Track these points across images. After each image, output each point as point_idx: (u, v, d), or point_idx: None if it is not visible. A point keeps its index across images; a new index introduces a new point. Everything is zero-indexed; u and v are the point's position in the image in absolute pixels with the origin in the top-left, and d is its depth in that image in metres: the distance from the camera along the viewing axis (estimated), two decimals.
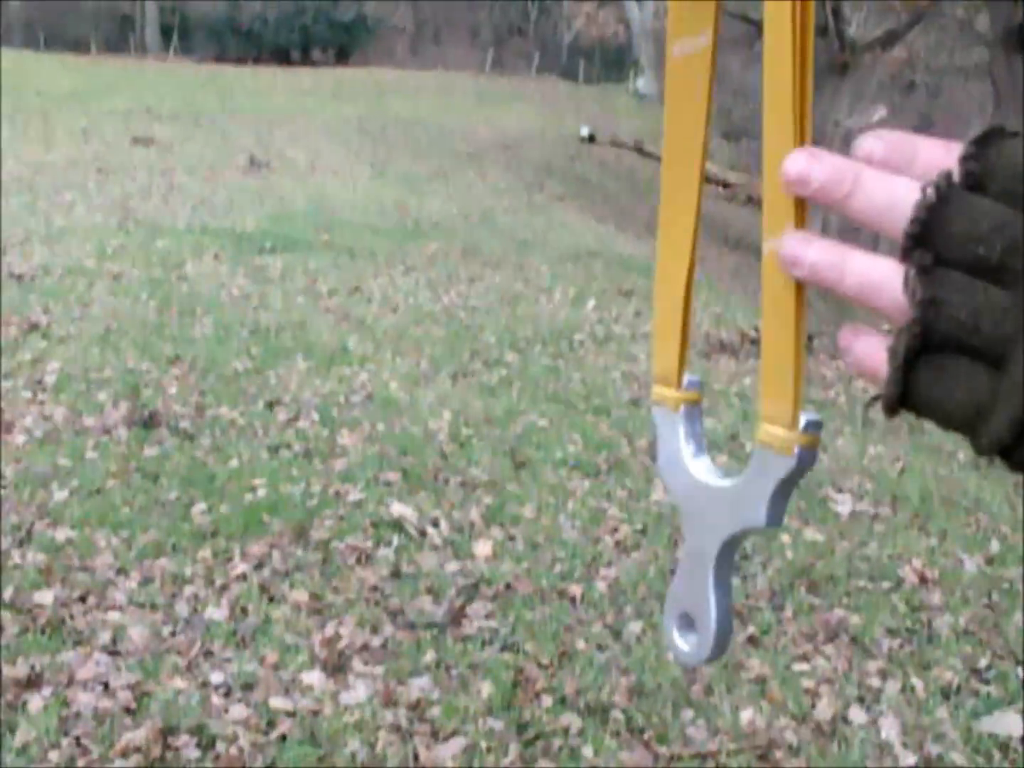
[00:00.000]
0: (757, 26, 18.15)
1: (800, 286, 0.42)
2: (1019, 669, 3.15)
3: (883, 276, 0.39)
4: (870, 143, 0.40)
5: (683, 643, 0.49)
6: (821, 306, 8.06)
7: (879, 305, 0.39)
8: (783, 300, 0.43)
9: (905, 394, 0.39)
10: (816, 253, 0.41)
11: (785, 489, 0.45)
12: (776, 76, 0.43)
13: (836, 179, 0.40)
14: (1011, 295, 0.36)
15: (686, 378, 0.50)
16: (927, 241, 0.38)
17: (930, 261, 0.37)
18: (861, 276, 0.39)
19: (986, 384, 0.37)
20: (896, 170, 0.40)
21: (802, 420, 0.43)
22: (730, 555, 0.49)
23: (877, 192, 0.39)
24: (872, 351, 0.40)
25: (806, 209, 0.42)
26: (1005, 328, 0.36)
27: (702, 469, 0.49)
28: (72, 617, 3.10)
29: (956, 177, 0.38)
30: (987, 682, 3.08)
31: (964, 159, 0.38)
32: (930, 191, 0.37)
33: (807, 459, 0.44)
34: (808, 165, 0.41)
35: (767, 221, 0.43)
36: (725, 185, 21.85)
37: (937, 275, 0.37)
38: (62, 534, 3.58)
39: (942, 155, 0.39)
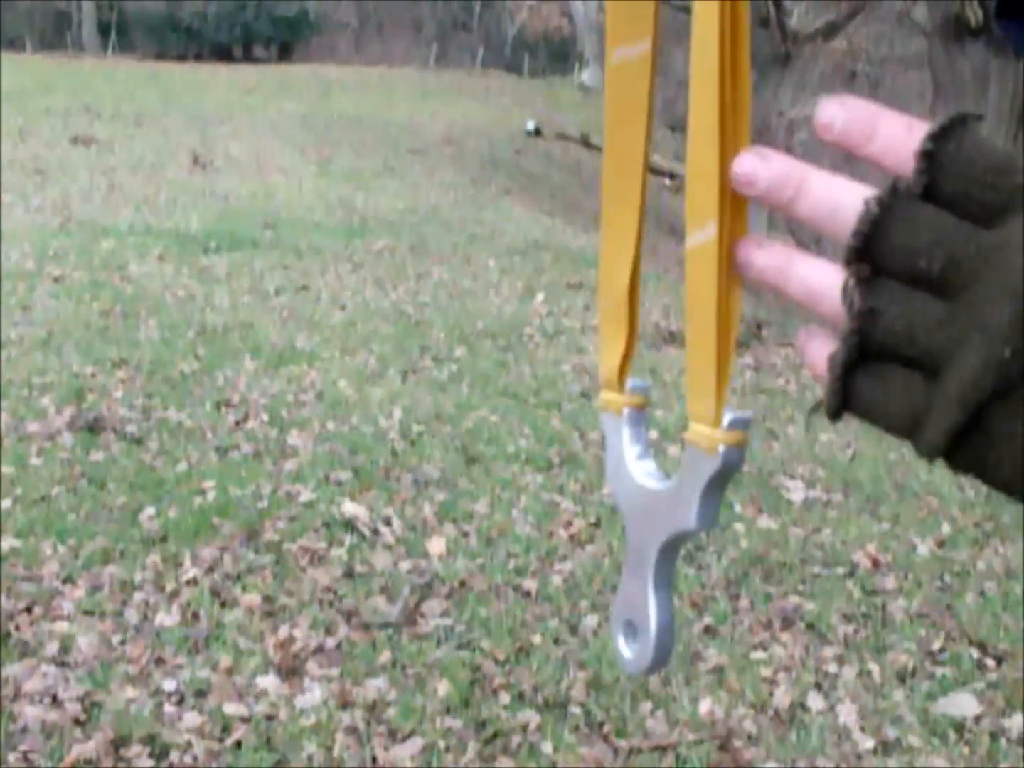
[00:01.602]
0: None
1: (723, 283, 0.42)
2: (973, 650, 3.18)
3: (825, 284, 0.39)
4: (832, 111, 0.39)
5: (627, 651, 0.48)
6: (771, 294, 8.11)
7: (822, 312, 0.40)
8: (706, 296, 0.42)
9: (845, 401, 0.39)
10: (763, 258, 0.41)
11: (714, 490, 0.44)
12: (703, 68, 0.42)
13: (782, 182, 0.40)
14: (949, 307, 0.36)
15: (630, 382, 0.49)
16: (868, 252, 0.38)
17: (868, 273, 0.38)
18: (804, 283, 0.40)
19: (922, 394, 0.37)
20: (854, 146, 0.39)
21: (726, 417, 0.43)
22: (670, 560, 0.48)
23: (822, 198, 0.39)
24: (822, 355, 0.40)
25: (730, 205, 0.42)
26: (940, 340, 0.36)
27: (644, 473, 0.48)
28: (18, 628, 3.03)
29: (906, 182, 0.37)
30: (942, 664, 3.12)
31: (920, 156, 0.37)
32: (872, 204, 0.37)
33: (733, 458, 0.43)
34: (755, 167, 0.40)
35: (689, 215, 0.43)
36: (671, 176, 21.96)
37: (876, 286, 0.38)
38: (6, 543, 3.50)
39: (902, 135, 0.38)
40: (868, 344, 0.38)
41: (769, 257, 0.41)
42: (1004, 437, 0.36)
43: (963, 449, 0.37)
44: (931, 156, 0.37)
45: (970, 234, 0.36)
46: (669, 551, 0.47)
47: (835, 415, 0.40)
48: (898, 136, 0.38)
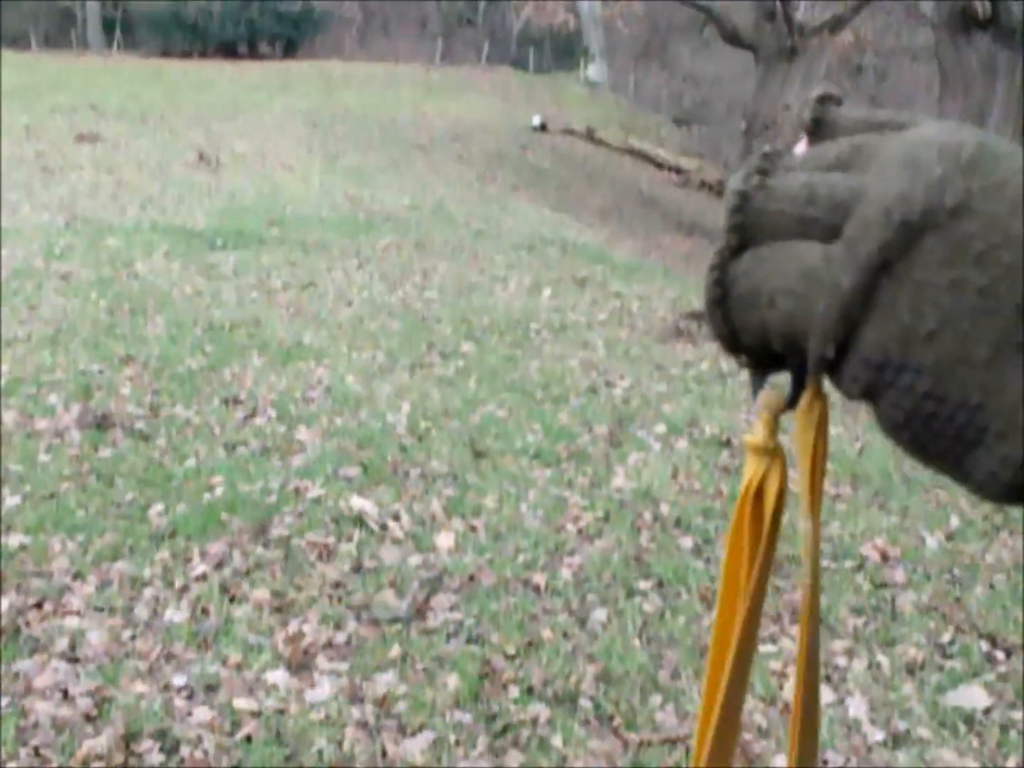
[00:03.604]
0: (707, 12, 18.22)
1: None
2: (982, 643, 3.18)
3: None
4: None
5: None
6: None
7: None
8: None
9: (728, 286, 0.39)
10: None
11: None
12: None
13: None
14: (849, 175, 0.37)
15: None
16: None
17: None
18: None
19: (819, 254, 0.36)
20: None
21: None
22: None
23: None
24: None
25: None
26: (842, 192, 0.36)
27: None
28: (28, 624, 3.04)
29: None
30: (951, 657, 3.11)
31: (809, 124, 0.41)
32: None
33: None
34: None
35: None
36: (677, 171, 21.92)
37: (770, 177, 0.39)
38: (15, 540, 3.51)
39: None
40: (760, 217, 0.38)
41: None
42: (884, 306, 0.36)
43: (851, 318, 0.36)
44: (820, 120, 0.40)
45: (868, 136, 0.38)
46: None
47: (717, 304, 0.39)
48: None
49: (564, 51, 36.44)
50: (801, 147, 0.40)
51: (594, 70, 31.83)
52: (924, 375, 0.35)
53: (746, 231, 0.38)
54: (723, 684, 0.48)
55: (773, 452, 0.46)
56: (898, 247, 0.35)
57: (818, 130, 0.39)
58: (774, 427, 0.45)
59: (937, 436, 0.36)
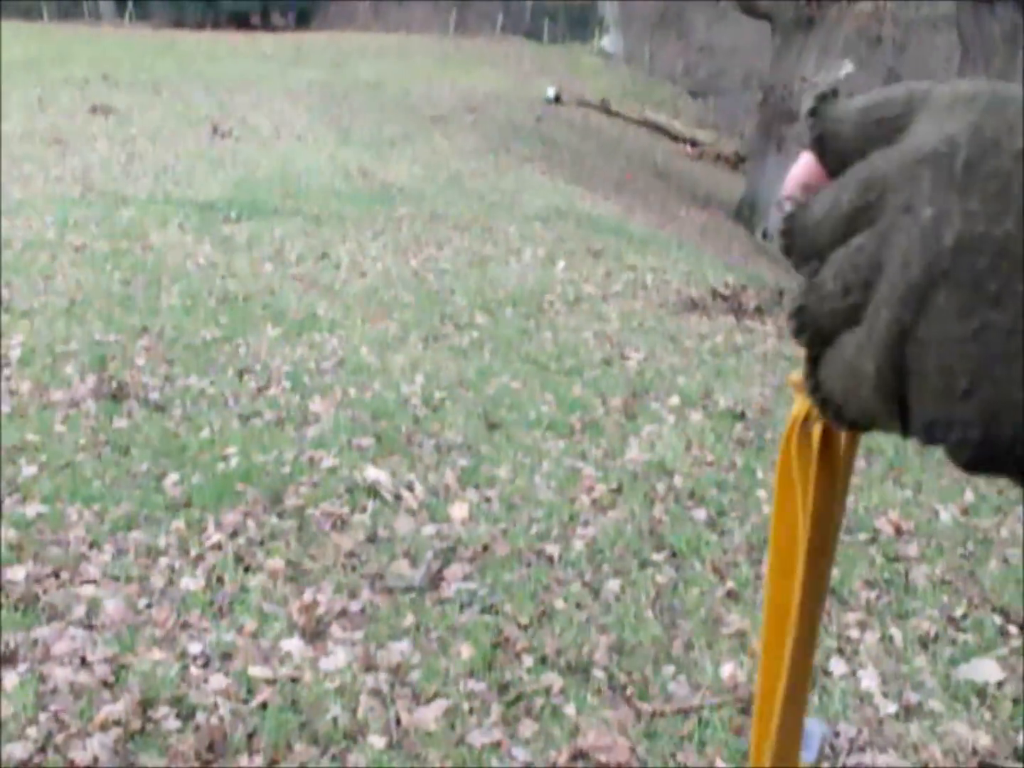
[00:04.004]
0: None
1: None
2: (995, 616, 3.17)
3: None
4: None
5: None
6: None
7: None
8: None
9: (824, 397, 0.39)
10: None
11: None
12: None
13: None
14: (866, 238, 0.36)
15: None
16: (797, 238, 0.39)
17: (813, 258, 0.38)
18: None
19: (853, 343, 0.36)
20: None
21: None
22: None
23: None
24: None
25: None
26: (864, 275, 0.35)
27: None
28: (45, 592, 3.06)
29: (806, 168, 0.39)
30: (964, 630, 3.11)
31: (809, 114, 0.39)
32: (785, 204, 0.39)
33: None
34: None
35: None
36: (693, 143, 21.80)
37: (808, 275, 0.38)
38: (32, 509, 3.53)
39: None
40: (814, 324, 0.38)
41: None
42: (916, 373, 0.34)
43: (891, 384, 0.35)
44: (816, 112, 0.39)
45: (874, 160, 0.36)
46: None
47: (823, 410, 0.39)
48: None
49: (579, 22, 36.18)
50: (806, 162, 0.39)
51: (609, 41, 31.61)
52: (972, 427, 0.34)
53: (810, 343, 0.38)
54: (791, 636, 0.47)
55: None
56: (910, 314, 0.34)
57: (823, 148, 0.38)
58: None
59: (1006, 467, 0.35)
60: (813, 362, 0.39)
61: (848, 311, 0.36)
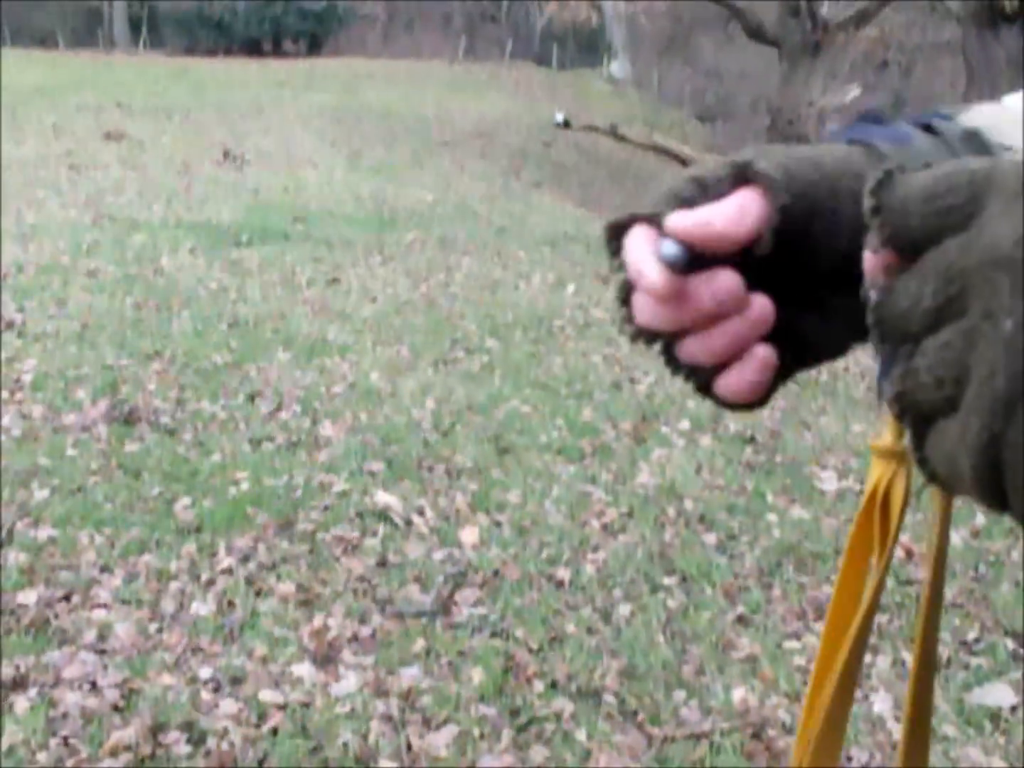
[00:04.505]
0: (730, 8, 18.14)
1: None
2: (1008, 640, 3.16)
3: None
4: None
5: None
6: None
7: None
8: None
9: (929, 471, 0.39)
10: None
11: None
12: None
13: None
14: (955, 331, 0.36)
15: None
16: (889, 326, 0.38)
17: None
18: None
19: (952, 435, 0.36)
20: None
21: None
22: None
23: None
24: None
25: None
26: (954, 370, 0.36)
27: None
28: (57, 616, 3.07)
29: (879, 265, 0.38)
30: (977, 654, 3.09)
31: (870, 212, 0.38)
32: (875, 291, 0.39)
33: None
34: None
35: None
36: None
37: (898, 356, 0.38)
38: (44, 533, 3.54)
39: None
40: (915, 408, 0.38)
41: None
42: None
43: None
44: (878, 208, 0.38)
45: (950, 250, 0.36)
46: None
47: (931, 480, 0.40)
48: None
49: (587, 47, 36.39)
50: (877, 263, 0.39)
51: (617, 66, 31.77)
52: None
53: (914, 425, 0.38)
54: (831, 689, 0.49)
55: (900, 456, 0.47)
56: (1000, 422, 0.34)
57: (896, 245, 0.38)
58: (900, 430, 0.46)
59: None
60: (919, 439, 0.39)
61: (944, 401, 0.36)
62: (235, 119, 17.49)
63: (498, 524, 3.83)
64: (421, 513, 3.85)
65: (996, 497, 0.36)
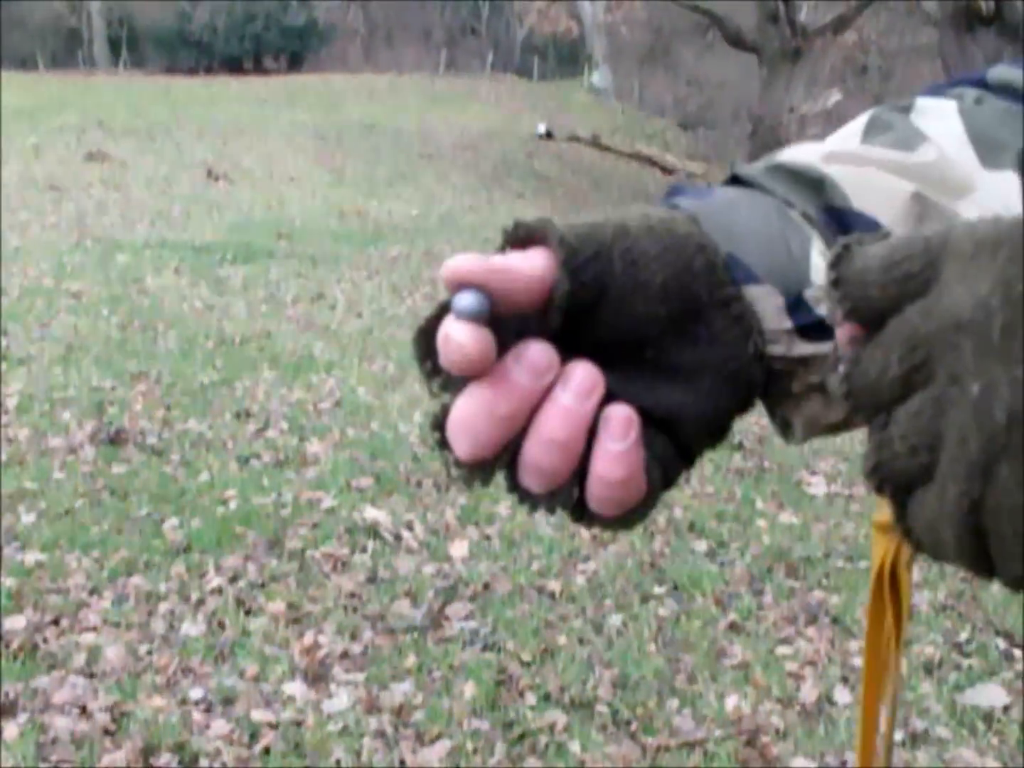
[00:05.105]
0: (710, 15, 18.23)
1: None
2: (999, 640, 3.17)
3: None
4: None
5: None
6: None
7: None
8: None
9: (914, 542, 0.38)
10: None
11: None
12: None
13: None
14: (923, 399, 0.35)
15: None
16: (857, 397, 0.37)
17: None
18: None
19: (931, 504, 0.36)
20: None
21: None
22: None
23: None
24: None
25: None
26: (927, 439, 0.35)
27: None
28: (46, 641, 3.05)
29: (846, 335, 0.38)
30: (968, 655, 3.10)
31: (831, 285, 0.38)
32: (844, 360, 0.38)
33: None
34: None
35: None
36: (688, 176, 21.91)
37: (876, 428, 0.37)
38: (31, 557, 3.52)
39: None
40: (891, 479, 0.37)
41: None
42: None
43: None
44: (838, 282, 0.37)
45: (911, 317, 0.35)
46: None
47: (917, 552, 0.39)
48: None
49: (568, 58, 36.54)
50: (843, 335, 0.38)
51: (598, 76, 31.88)
52: None
53: (893, 496, 0.38)
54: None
55: None
56: (977, 488, 0.33)
57: (857, 317, 0.37)
58: None
59: None
60: (901, 509, 0.38)
61: (920, 469, 0.36)
62: (217, 137, 17.49)
63: (488, 537, 3.82)
64: (410, 528, 3.84)
65: (982, 564, 0.35)
